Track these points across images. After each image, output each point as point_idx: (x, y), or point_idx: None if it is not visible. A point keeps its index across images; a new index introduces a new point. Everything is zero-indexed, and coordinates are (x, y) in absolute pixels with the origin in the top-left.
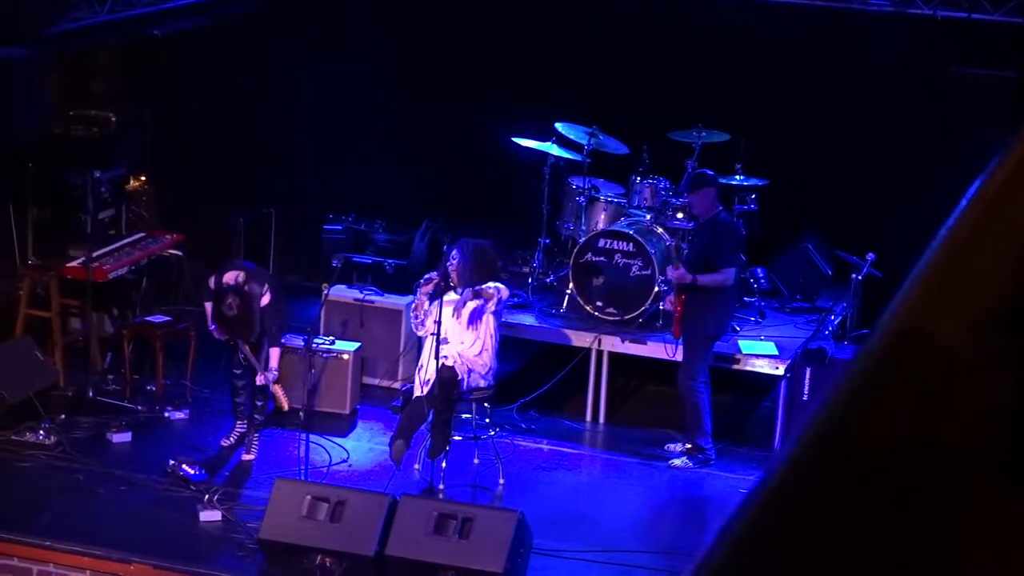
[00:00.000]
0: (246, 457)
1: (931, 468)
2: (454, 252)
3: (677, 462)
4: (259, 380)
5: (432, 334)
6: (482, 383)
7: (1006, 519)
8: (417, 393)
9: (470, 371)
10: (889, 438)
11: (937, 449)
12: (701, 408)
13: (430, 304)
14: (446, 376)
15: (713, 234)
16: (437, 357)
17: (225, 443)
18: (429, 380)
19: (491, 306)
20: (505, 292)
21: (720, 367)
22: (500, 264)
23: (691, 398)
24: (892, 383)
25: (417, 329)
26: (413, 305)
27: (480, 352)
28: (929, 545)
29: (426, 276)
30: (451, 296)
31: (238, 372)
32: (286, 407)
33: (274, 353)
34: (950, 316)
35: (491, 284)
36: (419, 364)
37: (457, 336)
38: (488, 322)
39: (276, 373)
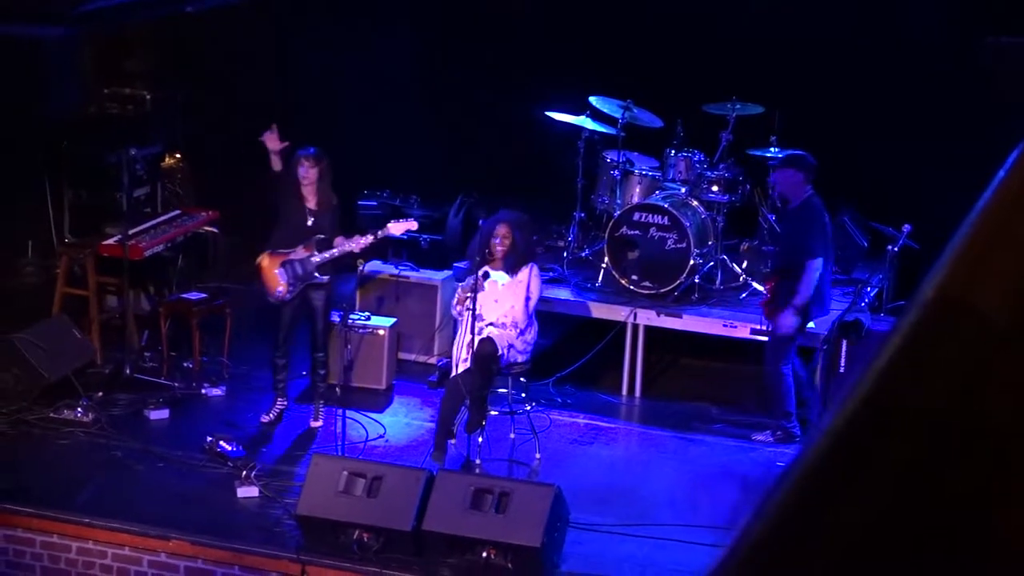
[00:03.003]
0: (314, 424)
1: (972, 436)
2: (502, 229)
3: (759, 437)
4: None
5: (468, 309)
6: (520, 358)
7: None
8: (455, 372)
9: (510, 346)
10: (930, 408)
11: (978, 417)
12: (784, 393)
13: (470, 290)
14: (486, 350)
15: (797, 222)
16: (474, 332)
17: (265, 419)
18: (467, 358)
19: (535, 291)
20: (536, 287)
21: (756, 340)
22: (535, 239)
23: (773, 382)
24: (932, 354)
25: (459, 316)
26: (455, 300)
27: (523, 329)
28: (972, 510)
29: (467, 281)
30: (490, 271)
31: (278, 352)
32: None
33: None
34: (989, 286)
35: (534, 279)
36: (456, 342)
37: (497, 312)
38: (529, 300)
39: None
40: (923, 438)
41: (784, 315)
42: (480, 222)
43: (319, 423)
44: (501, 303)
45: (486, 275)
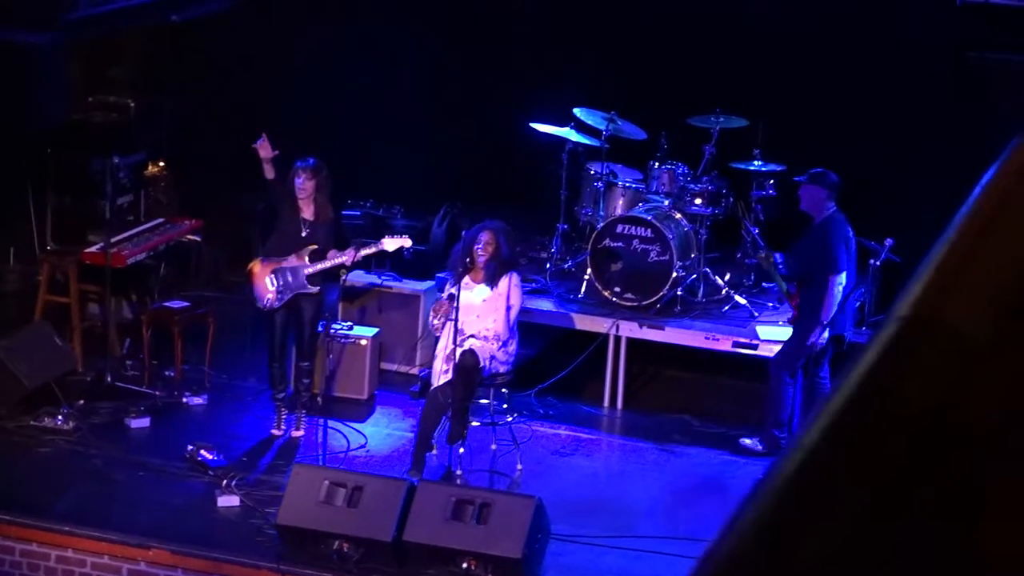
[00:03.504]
0: (295, 434)
1: (947, 450)
2: (485, 236)
3: (748, 442)
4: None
5: (450, 319)
6: (502, 369)
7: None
8: (435, 383)
9: (492, 358)
10: (903, 423)
11: (953, 431)
12: (781, 399)
13: (449, 300)
14: (469, 362)
15: (820, 237)
16: (455, 341)
17: (276, 432)
18: (448, 369)
19: (515, 302)
20: (517, 298)
21: (738, 353)
22: (518, 249)
23: (774, 386)
24: (906, 368)
25: (437, 332)
26: (431, 316)
27: (505, 341)
28: (949, 521)
29: (447, 294)
30: (470, 285)
31: (276, 362)
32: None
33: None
34: (963, 301)
35: (514, 289)
36: (435, 354)
37: (478, 326)
38: (510, 309)
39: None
40: (897, 452)
41: (811, 330)
42: (463, 232)
43: (300, 432)
44: (483, 317)
45: (453, 296)
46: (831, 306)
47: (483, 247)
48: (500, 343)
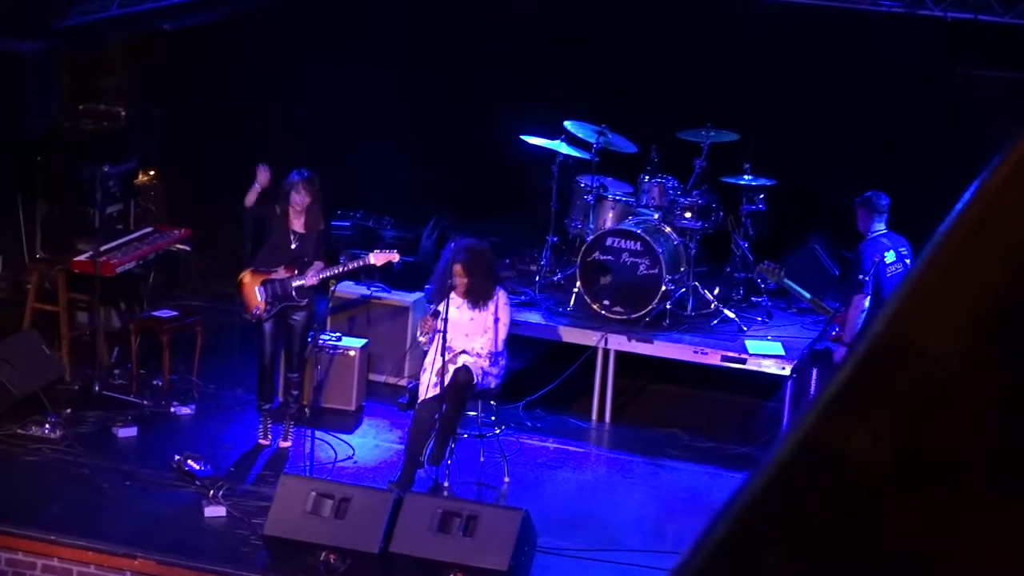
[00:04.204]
0: (283, 444)
1: (912, 479)
2: (456, 267)
3: None
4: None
5: (439, 331)
6: (493, 383)
7: (1002, 517)
8: (423, 396)
9: (484, 373)
10: (869, 449)
11: (918, 459)
12: None
13: (434, 316)
14: (462, 379)
15: (853, 256)
16: (444, 356)
17: (285, 444)
18: (436, 383)
19: (504, 319)
20: (506, 315)
21: (727, 367)
22: (498, 264)
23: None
24: (875, 393)
25: (425, 347)
26: (419, 331)
27: (495, 357)
28: (912, 551)
29: (432, 310)
30: (458, 301)
31: (266, 374)
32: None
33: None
34: (935, 327)
35: (502, 307)
36: (424, 367)
37: (468, 343)
38: (499, 325)
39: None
40: (862, 478)
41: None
42: (443, 252)
43: (288, 443)
44: (471, 336)
45: (438, 313)
46: (852, 326)
47: (456, 280)
48: (491, 360)
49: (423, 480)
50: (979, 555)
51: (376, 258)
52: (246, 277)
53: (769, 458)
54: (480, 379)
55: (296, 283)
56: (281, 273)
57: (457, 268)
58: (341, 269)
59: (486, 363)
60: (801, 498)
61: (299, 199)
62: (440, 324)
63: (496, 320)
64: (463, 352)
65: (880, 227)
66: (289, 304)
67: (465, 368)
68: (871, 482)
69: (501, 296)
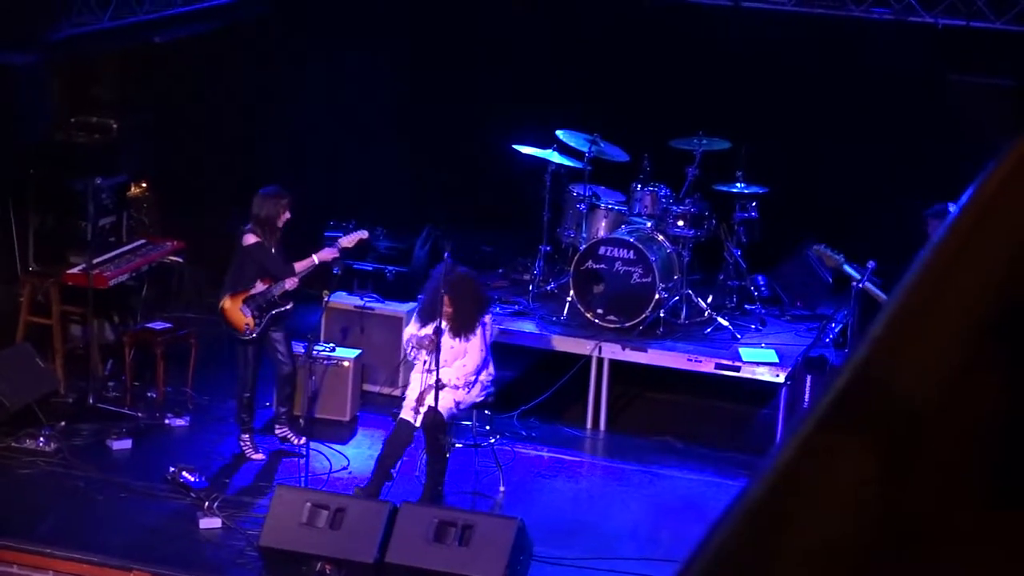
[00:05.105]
0: (299, 442)
1: (912, 482)
2: (444, 299)
3: None
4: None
5: (430, 353)
6: (480, 398)
7: (997, 530)
8: (404, 416)
9: (457, 403)
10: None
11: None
12: None
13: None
14: (430, 422)
15: None
16: (428, 383)
17: (257, 457)
18: (415, 407)
19: (487, 340)
20: (491, 328)
21: (721, 375)
22: (484, 287)
23: None
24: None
25: (412, 360)
26: (408, 347)
27: (469, 384)
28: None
29: (422, 335)
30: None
31: (247, 389)
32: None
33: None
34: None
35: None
36: (409, 381)
37: (449, 373)
38: (481, 341)
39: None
40: (858, 489)
41: None
42: (432, 271)
43: (302, 441)
44: (449, 363)
45: (434, 334)
46: None
47: (444, 314)
48: (467, 387)
49: (418, 490)
50: (978, 567)
51: (346, 241)
52: (226, 303)
53: (768, 464)
54: (455, 410)
55: (277, 290)
56: (259, 287)
57: (446, 300)
58: (322, 257)
59: (462, 393)
60: (800, 507)
61: (288, 216)
62: (428, 356)
63: (483, 344)
64: (437, 382)
65: None
66: (276, 312)
67: (434, 411)
68: (868, 490)
69: (480, 329)
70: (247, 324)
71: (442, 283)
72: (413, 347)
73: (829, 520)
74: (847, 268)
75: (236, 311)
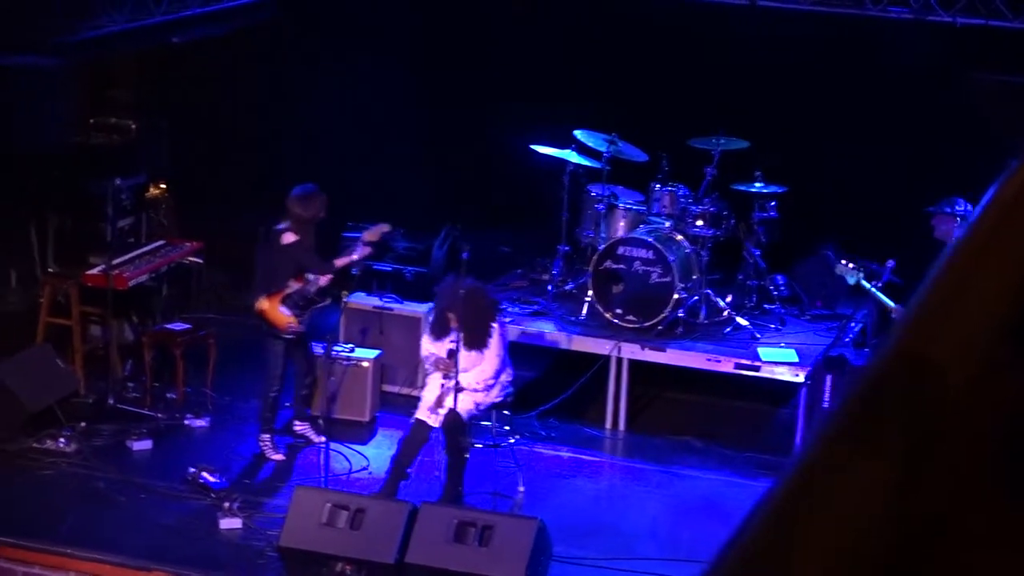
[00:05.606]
0: (318, 440)
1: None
2: (452, 315)
3: None
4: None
5: (442, 372)
6: (499, 399)
7: (1012, 532)
8: (420, 413)
9: (478, 404)
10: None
11: (938, 464)
12: None
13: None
14: (451, 424)
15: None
16: (455, 374)
17: (278, 457)
18: (433, 408)
19: (501, 347)
20: (506, 331)
21: (740, 375)
22: (490, 296)
23: None
24: (884, 410)
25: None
26: (425, 359)
27: (489, 386)
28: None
29: (438, 356)
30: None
31: (275, 387)
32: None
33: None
34: (945, 340)
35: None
36: (426, 382)
37: (466, 379)
38: (497, 347)
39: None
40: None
41: None
42: (439, 285)
43: (322, 439)
44: (471, 370)
45: (453, 353)
46: None
47: (453, 324)
48: (486, 389)
49: (438, 491)
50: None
51: (369, 235)
52: (264, 304)
53: (789, 468)
54: (475, 410)
55: (312, 287)
56: (293, 286)
57: (451, 316)
58: (346, 257)
59: (480, 396)
60: (820, 509)
61: (322, 215)
62: (447, 367)
63: (498, 352)
64: (456, 385)
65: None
66: (315, 308)
67: (454, 413)
68: (887, 493)
69: (495, 333)
70: (289, 323)
71: (448, 302)
72: (431, 365)
73: (849, 522)
74: (867, 286)
75: (276, 311)
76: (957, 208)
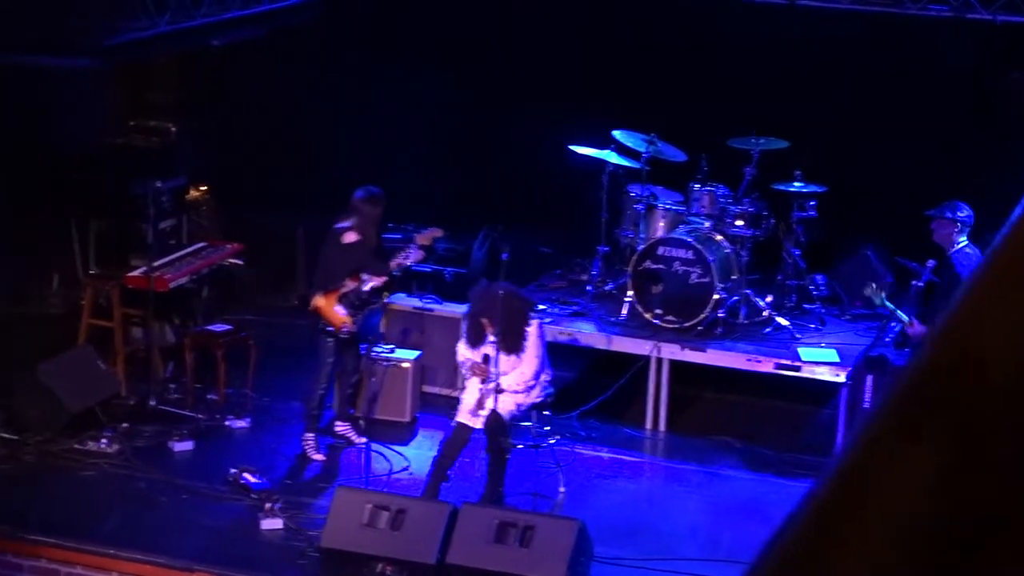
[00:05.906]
0: (358, 440)
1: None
2: (485, 321)
3: None
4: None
5: (480, 378)
6: (538, 400)
7: None
8: (461, 416)
9: (519, 405)
10: (930, 457)
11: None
12: None
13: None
14: (493, 426)
15: (945, 271)
16: (496, 377)
17: (320, 457)
18: (474, 410)
19: (539, 348)
20: (543, 332)
21: (780, 375)
22: (523, 299)
23: None
24: (929, 406)
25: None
26: (461, 363)
27: (529, 387)
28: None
29: (474, 361)
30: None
31: (323, 385)
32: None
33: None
34: (990, 333)
35: (535, 340)
36: (466, 385)
37: (505, 381)
38: (535, 348)
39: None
40: (922, 489)
41: (916, 332)
42: (470, 295)
43: (363, 439)
44: (511, 373)
45: (488, 358)
46: None
47: (487, 329)
48: (526, 390)
49: (478, 491)
50: None
51: (421, 239)
52: (320, 301)
53: (835, 462)
54: (516, 411)
55: (366, 287)
56: (349, 284)
57: (484, 321)
58: (401, 260)
59: (521, 397)
60: (868, 506)
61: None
62: (491, 368)
63: (536, 353)
64: (497, 387)
65: (961, 238)
66: (369, 308)
67: (496, 414)
68: (933, 490)
69: (532, 332)
70: (344, 322)
71: (481, 308)
72: (467, 370)
73: (895, 520)
74: (889, 304)
75: (331, 310)
76: (959, 214)
